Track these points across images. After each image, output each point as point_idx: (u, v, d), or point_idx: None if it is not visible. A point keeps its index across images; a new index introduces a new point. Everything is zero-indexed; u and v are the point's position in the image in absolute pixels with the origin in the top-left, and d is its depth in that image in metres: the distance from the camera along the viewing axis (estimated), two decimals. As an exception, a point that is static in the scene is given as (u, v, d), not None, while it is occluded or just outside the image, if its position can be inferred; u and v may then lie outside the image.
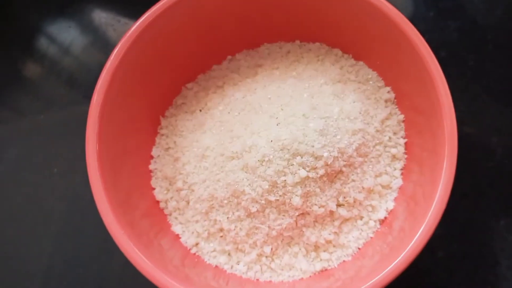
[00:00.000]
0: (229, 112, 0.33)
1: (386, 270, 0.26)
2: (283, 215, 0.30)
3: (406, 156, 0.33)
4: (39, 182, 0.41)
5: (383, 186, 0.32)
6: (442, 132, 0.28)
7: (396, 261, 0.26)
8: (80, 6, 0.48)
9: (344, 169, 0.30)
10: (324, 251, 0.31)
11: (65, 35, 0.47)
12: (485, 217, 0.37)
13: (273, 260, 0.31)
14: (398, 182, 0.32)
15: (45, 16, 0.48)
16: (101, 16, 0.48)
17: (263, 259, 0.31)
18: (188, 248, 0.32)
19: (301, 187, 0.29)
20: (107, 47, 0.47)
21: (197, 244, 0.32)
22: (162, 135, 0.35)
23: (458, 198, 0.38)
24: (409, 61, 0.31)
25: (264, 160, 0.29)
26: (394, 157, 0.32)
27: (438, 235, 0.37)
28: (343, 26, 0.34)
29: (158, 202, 0.33)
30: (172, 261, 0.30)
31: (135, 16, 0.47)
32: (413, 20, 0.43)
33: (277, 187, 0.29)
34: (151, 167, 0.34)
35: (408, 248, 0.26)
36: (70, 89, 0.45)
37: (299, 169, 0.28)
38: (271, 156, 0.28)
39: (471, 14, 0.43)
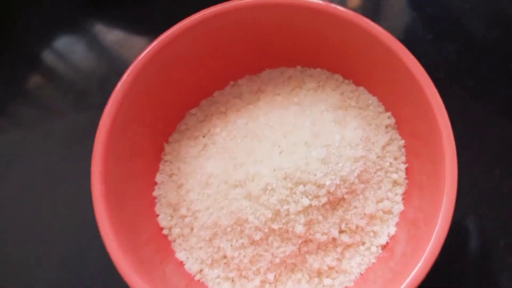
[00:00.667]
0: (232, 139, 0.33)
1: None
2: (286, 243, 0.30)
3: (407, 181, 0.33)
4: (44, 205, 0.41)
5: (384, 212, 0.32)
6: (442, 158, 0.28)
7: (402, 286, 0.27)
8: (84, 21, 0.49)
9: (346, 196, 0.30)
10: (327, 277, 0.31)
11: (69, 49, 0.48)
12: (484, 238, 0.38)
13: (276, 286, 0.31)
14: (399, 207, 0.32)
15: (49, 30, 0.49)
16: (105, 31, 0.48)
17: (267, 285, 0.31)
18: (192, 275, 0.32)
19: (304, 215, 0.29)
20: (112, 62, 0.47)
21: (201, 270, 0.32)
22: (166, 161, 0.35)
23: (457, 219, 0.38)
24: (407, 88, 0.31)
25: (267, 189, 0.29)
26: (395, 183, 0.33)
27: (439, 257, 0.38)
28: (344, 52, 0.34)
29: (162, 228, 0.34)
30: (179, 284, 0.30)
31: (138, 31, 0.48)
32: (411, 43, 0.44)
33: (280, 215, 0.29)
34: (155, 193, 0.34)
35: (413, 274, 0.27)
36: (76, 105, 0.45)
37: (302, 198, 0.29)
38: (274, 185, 0.29)
39: (469, 35, 0.44)
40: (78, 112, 0.45)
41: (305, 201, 0.29)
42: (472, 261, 0.37)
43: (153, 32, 0.36)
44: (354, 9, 0.46)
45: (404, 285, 0.26)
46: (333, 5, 0.31)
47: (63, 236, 0.40)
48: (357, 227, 0.31)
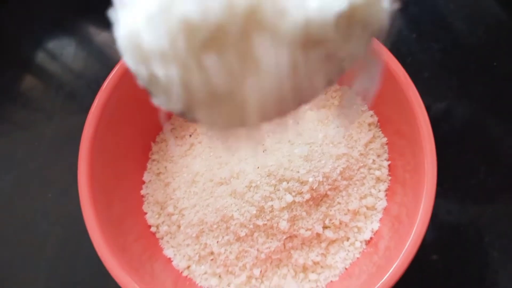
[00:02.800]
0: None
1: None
2: (271, 239, 0.31)
3: (390, 177, 0.34)
4: (34, 207, 0.42)
5: (368, 208, 0.33)
6: (422, 155, 0.29)
7: (383, 279, 0.27)
8: (78, 23, 0.50)
9: (329, 192, 0.31)
10: (312, 272, 0.32)
11: (64, 51, 0.48)
12: (469, 234, 0.38)
13: (262, 282, 0.32)
14: (382, 203, 0.33)
15: (44, 32, 0.49)
16: (94, 33, 0.49)
17: (253, 281, 0.32)
18: (180, 271, 0.33)
19: (287, 211, 0.30)
20: (104, 62, 0.48)
21: (188, 267, 0.33)
22: (153, 160, 0.36)
23: (442, 215, 0.39)
24: (388, 87, 0.32)
25: (251, 186, 0.30)
26: (378, 179, 0.34)
27: (423, 251, 0.38)
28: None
29: (149, 226, 0.34)
30: (164, 284, 0.31)
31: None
32: (396, 42, 0.45)
33: (264, 212, 0.30)
34: (142, 192, 0.35)
35: (394, 266, 0.27)
36: (66, 106, 0.46)
37: (285, 194, 0.29)
38: (258, 182, 0.30)
39: (453, 35, 0.45)
40: (68, 113, 0.45)
41: (289, 198, 0.29)
42: (457, 256, 0.38)
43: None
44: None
45: (386, 277, 0.27)
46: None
47: (53, 236, 0.40)
48: (340, 223, 0.32)
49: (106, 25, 0.49)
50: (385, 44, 0.44)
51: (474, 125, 0.41)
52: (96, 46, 0.48)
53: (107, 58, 0.48)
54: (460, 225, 0.39)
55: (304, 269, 0.32)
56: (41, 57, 0.48)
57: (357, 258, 0.32)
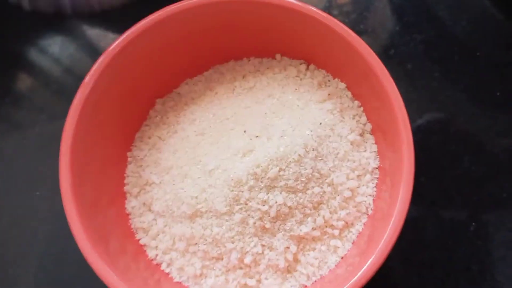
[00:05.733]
0: (200, 132, 0.34)
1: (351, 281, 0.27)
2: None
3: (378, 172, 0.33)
4: (22, 204, 0.41)
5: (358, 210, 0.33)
6: (400, 147, 0.29)
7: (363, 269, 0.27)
8: (70, 21, 0.49)
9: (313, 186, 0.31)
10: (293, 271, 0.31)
11: (55, 48, 0.48)
12: (454, 224, 0.38)
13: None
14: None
15: (35, 30, 0.49)
16: (90, 30, 0.48)
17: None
18: (160, 267, 0.33)
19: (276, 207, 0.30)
20: (94, 57, 0.46)
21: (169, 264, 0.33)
22: (135, 152, 0.35)
23: (427, 205, 0.39)
24: (367, 79, 0.31)
25: (238, 180, 0.30)
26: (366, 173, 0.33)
27: (409, 242, 0.38)
28: (311, 45, 0.35)
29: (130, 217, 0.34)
30: (147, 280, 0.31)
31: (116, 28, 0.48)
32: (379, 34, 0.44)
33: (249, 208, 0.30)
34: (125, 186, 0.35)
35: (372, 258, 0.27)
36: (54, 103, 0.45)
37: (277, 193, 0.30)
38: (244, 179, 0.29)
39: (436, 26, 0.44)
40: (56, 110, 0.45)
41: (279, 198, 0.29)
42: (443, 246, 0.37)
43: (127, 28, 0.35)
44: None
45: (364, 267, 0.27)
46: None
47: (41, 233, 0.40)
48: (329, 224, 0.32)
49: (94, 20, 0.48)
50: (368, 37, 0.44)
51: (458, 115, 0.41)
52: (84, 42, 0.48)
53: (96, 54, 0.48)
54: (445, 214, 0.38)
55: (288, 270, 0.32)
56: (28, 54, 0.48)
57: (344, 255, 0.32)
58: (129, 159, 0.35)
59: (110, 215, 0.32)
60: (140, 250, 0.33)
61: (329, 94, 0.34)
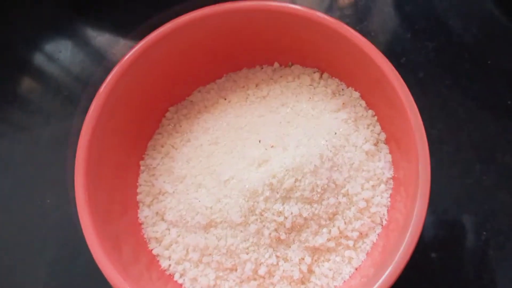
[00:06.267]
0: (214, 141, 0.33)
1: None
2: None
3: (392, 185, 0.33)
4: (32, 212, 0.41)
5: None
6: (415, 157, 0.28)
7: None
8: (75, 24, 0.49)
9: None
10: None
11: (60, 53, 0.47)
12: (465, 232, 0.38)
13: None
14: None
15: (43, 35, 0.49)
16: (91, 34, 0.48)
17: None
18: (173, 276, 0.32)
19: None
20: (102, 64, 0.47)
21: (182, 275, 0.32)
22: (148, 161, 0.35)
23: (438, 214, 0.38)
24: (382, 88, 0.31)
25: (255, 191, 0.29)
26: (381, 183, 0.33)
27: (419, 250, 0.38)
28: (328, 54, 0.34)
29: (147, 240, 0.33)
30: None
31: (123, 34, 0.48)
32: (390, 42, 0.44)
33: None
34: (138, 197, 0.34)
35: (389, 269, 0.27)
36: (63, 108, 0.45)
37: (293, 204, 0.29)
38: (260, 190, 0.29)
39: (447, 33, 0.44)
40: (66, 115, 0.44)
41: (294, 209, 0.29)
42: (454, 255, 0.37)
43: (136, 35, 0.35)
44: (334, 8, 0.46)
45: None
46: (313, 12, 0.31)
47: (52, 240, 0.40)
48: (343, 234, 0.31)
49: (103, 26, 0.48)
50: (379, 45, 0.44)
51: (469, 123, 0.41)
52: (93, 48, 0.48)
53: (105, 60, 0.47)
54: (456, 223, 0.38)
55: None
56: (38, 59, 0.47)
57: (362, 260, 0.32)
58: (141, 167, 0.35)
59: (123, 224, 0.32)
60: (153, 260, 0.32)
61: (343, 103, 0.34)
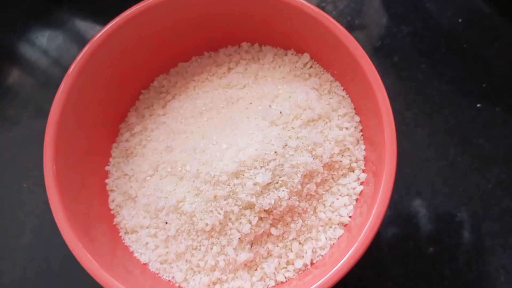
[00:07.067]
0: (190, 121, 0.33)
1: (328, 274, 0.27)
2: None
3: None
4: (9, 197, 0.41)
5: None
6: (383, 144, 0.28)
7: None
8: (58, 13, 0.49)
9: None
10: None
11: (42, 41, 0.47)
12: (440, 214, 0.38)
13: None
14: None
15: (22, 22, 0.49)
16: (78, 23, 0.48)
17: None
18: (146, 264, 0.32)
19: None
20: (75, 52, 0.47)
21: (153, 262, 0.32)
22: (118, 148, 0.35)
23: (413, 196, 0.38)
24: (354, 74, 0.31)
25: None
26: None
27: (394, 233, 0.38)
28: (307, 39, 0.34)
29: (114, 216, 0.33)
30: (133, 272, 0.30)
31: (102, 21, 0.48)
32: (367, 26, 0.44)
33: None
34: (107, 186, 0.34)
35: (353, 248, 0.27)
36: (42, 96, 0.45)
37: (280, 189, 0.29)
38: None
39: (423, 18, 0.44)
40: (44, 102, 0.44)
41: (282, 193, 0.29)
42: (428, 237, 0.37)
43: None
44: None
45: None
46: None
47: (29, 226, 0.39)
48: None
49: (83, 14, 0.47)
50: (355, 29, 0.44)
51: (444, 106, 0.41)
52: (73, 35, 0.48)
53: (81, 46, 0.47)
54: (430, 205, 0.38)
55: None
56: (15, 47, 0.47)
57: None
58: (113, 150, 0.35)
59: (94, 207, 0.32)
60: (122, 242, 0.32)
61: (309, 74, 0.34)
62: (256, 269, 0.30)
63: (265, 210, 0.29)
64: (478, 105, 0.41)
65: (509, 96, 0.41)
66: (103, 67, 0.32)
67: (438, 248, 0.37)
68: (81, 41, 0.47)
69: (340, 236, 0.31)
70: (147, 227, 0.32)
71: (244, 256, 0.29)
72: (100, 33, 0.31)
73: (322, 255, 0.31)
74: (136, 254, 0.32)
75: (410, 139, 0.40)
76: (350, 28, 0.43)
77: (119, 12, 0.32)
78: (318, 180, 0.31)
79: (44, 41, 0.47)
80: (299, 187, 0.29)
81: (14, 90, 0.46)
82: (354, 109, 0.33)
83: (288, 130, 0.31)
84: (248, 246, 0.30)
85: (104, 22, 0.42)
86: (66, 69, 0.45)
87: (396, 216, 0.38)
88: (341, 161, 0.32)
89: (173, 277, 0.31)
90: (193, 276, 0.31)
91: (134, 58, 0.34)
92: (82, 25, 0.48)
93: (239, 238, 0.29)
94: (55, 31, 0.48)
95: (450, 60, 0.42)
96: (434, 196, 0.38)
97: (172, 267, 0.31)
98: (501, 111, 0.40)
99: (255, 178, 0.28)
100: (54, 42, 0.47)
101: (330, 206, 0.31)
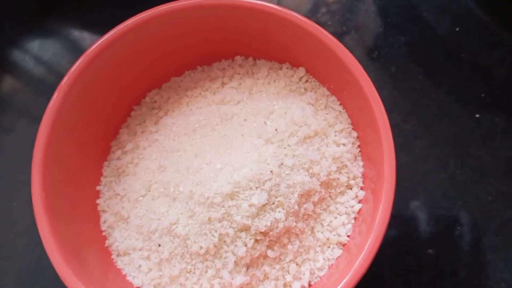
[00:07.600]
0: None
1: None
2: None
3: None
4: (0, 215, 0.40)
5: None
6: (382, 161, 0.27)
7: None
8: (52, 22, 0.48)
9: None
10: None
11: (35, 50, 0.46)
12: (440, 228, 0.37)
13: None
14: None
15: (16, 31, 0.47)
16: (72, 32, 0.47)
17: None
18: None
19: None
20: (69, 62, 0.46)
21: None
22: (109, 166, 0.34)
23: (412, 210, 0.38)
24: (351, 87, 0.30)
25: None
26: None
27: (395, 247, 0.37)
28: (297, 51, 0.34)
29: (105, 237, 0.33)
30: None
31: (96, 32, 0.47)
32: (362, 36, 0.43)
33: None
34: (99, 206, 0.33)
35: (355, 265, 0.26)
36: (34, 111, 0.44)
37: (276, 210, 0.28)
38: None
39: (420, 27, 0.43)
40: (36, 117, 0.43)
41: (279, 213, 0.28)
42: (429, 252, 0.36)
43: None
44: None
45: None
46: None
47: (19, 246, 0.38)
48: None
49: (77, 23, 0.45)
50: (352, 39, 0.43)
51: (443, 117, 0.40)
52: (66, 44, 0.47)
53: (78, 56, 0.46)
54: (430, 218, 0.37)
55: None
56: (8, 55, 0.46)
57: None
58: (104, 169, 0.34)
59: (85, 228, 0.31)
60: (114, 265, 0.31)
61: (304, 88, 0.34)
62: None
63: (261, 232, 0.28)
64: (477, 115, 0.40)
65: (509, 106, 0.40)
66: (94, 83, 0.31)
67: (438, 263, 0.36)
68: (75, 50, 0.46)
69: (339, 257, 0.30)
70: (140, 249, 0.31)
71: (240, 279, 0.28)
72: (91, 48, 0.30)
73: (320, 276, 0.30)
74: (128, 278, 0.31)
75: (408, 152, 0.39)
76: (346, 38, 0.42)
77: (113, 21, 0.31)
78: (316, 199, 0.30)
79: (37, 50, 0.46)
80: (296, 207, 0.28)
81: (5, 100, 0.45)
82: (351, 124, 0.32)
83: (284, 148, 0.30)
84: (244, 269, 0.29)
85: (98, 32, 0.41)
86: (59, 77, 0.44)
87: (395, 231, 0.37)
88: (338, 179, 0.31)
89: (167, 301, 0.30)
90: None
91: (126, 73, 0.33)
92: (76, 34, 0.47)
93: (235, 261, 0.28)
94: (49, 39, 0.47)
95: (448, 70, 0.41)
96: (434, 210, 0.37)
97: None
98: (501, 121, 0.39)
99: (251, 199, 0.28)
100: (47, 50, 0.46)
101: (328, 225, 0.30)
